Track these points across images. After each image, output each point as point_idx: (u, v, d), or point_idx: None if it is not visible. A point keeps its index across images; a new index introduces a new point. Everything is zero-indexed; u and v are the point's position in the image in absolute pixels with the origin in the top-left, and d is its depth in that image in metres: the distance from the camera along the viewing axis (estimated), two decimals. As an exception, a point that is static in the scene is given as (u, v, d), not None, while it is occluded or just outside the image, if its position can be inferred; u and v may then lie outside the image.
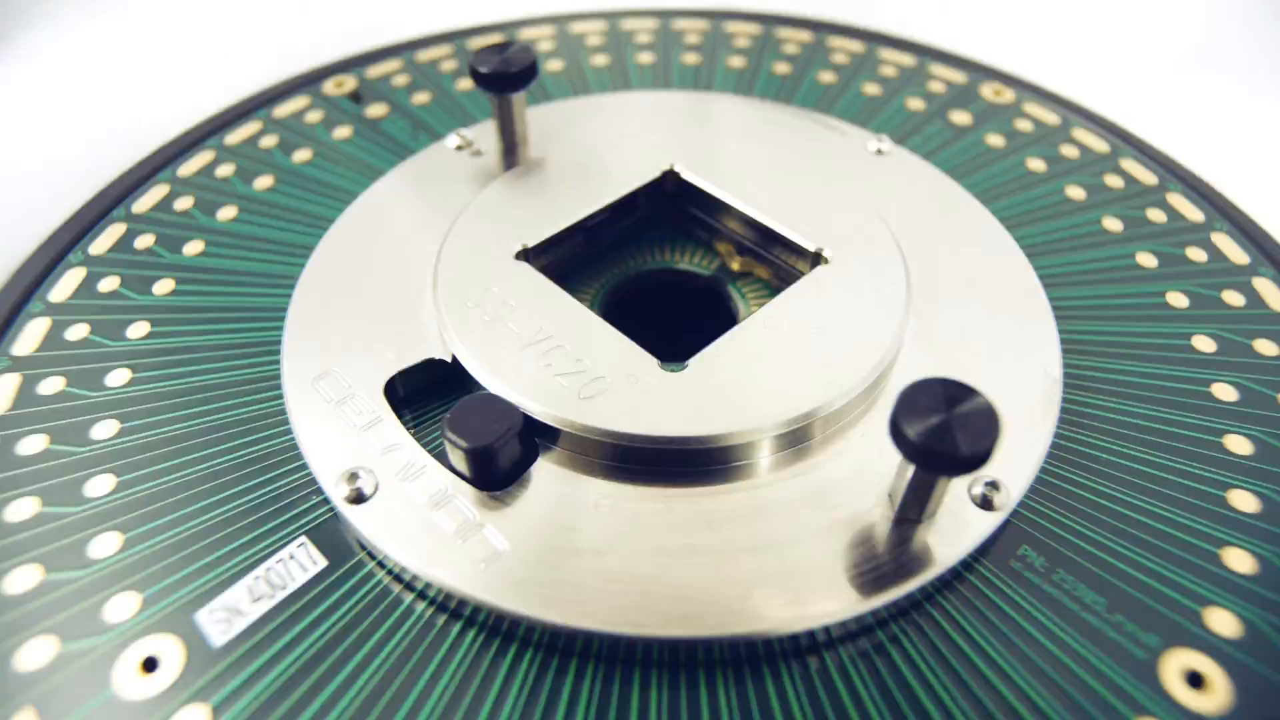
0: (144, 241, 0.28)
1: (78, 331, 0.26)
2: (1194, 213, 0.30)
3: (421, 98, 0.35)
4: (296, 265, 0.27)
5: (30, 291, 0.27)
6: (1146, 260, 0.28)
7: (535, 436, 0.22)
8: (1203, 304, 0.27)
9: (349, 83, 0.35)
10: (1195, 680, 0.19)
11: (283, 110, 0.34)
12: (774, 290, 0.27)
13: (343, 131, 0.33)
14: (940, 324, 0.24)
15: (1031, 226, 0.29)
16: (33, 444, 0.23)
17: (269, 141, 0.32)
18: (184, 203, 0.30)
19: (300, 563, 0.20)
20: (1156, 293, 0.27)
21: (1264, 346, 0.26)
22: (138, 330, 0.26)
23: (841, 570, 0.19)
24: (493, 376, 0.22)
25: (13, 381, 0.24)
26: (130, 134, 0.35)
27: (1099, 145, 0.33)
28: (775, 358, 0.22)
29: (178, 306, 0.26)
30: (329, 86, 0.35)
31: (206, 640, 0.19)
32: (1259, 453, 0.23)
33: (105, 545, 0.21)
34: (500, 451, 0.20)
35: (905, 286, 0.24)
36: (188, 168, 0.31)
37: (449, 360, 0.23)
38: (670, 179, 0.29)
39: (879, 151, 0.30)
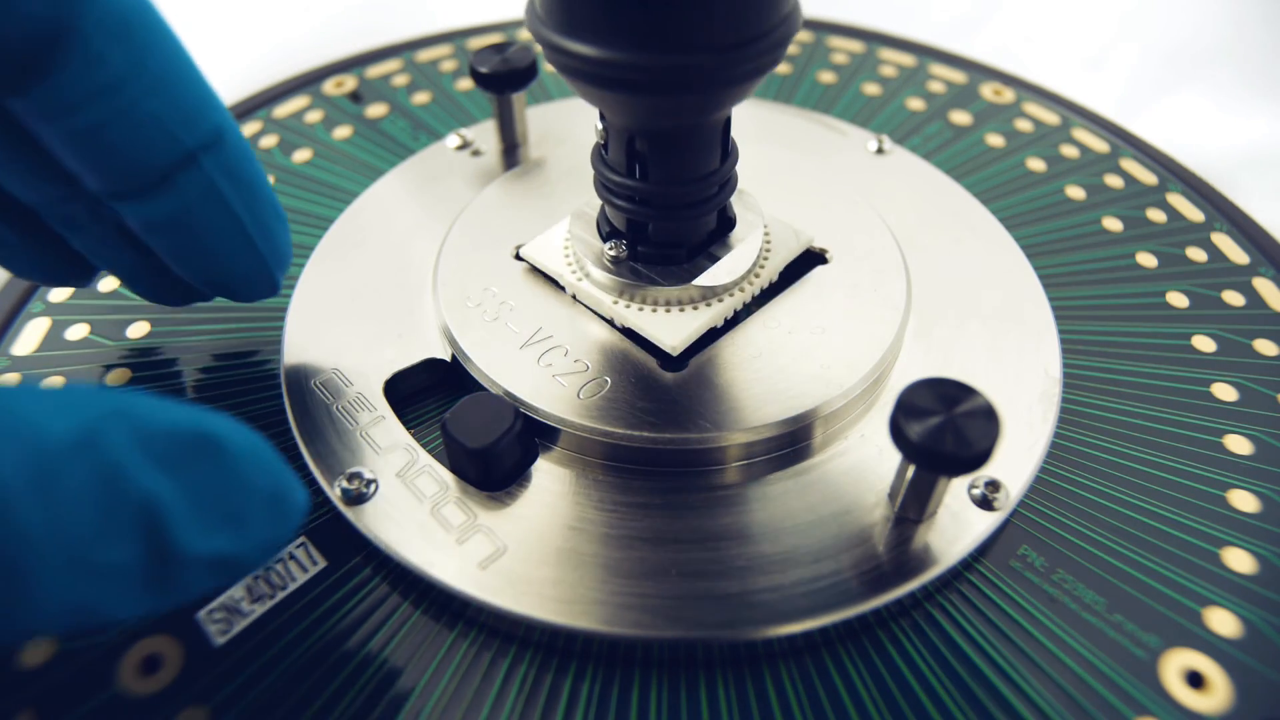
0: (144, 241, 0.28)
1: (78, 331, 0.26)
2: (1194, 213, 0.30)
3: (421, 97, 0.35)
4: (297, 265, 0.27)
5: (30, 291, 0.27)
6: (1146, 260, 0.28)
7: (535, 436, 0.22)
8: (1203, 304, 0.27)
9: (349, 82, 0.35)
10: (1195, 680, 0.19)
11: (282, 110, 0.34)
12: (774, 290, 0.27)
13: (343, 131, 0.33)
14: (940, 324, 0.24)
15: (1031, 226, 0.29)
16: (33, 444, 0.23)
17: (269, 141, 0.32)
18: (184, 202, 0.30)
19: (300, 563, 0.20)
20: (1156, 293, 0.27)
21: (1264, 346, 0.26)
22: (138, 330, 0.26)
23: (841, 570, 0.19)
24: (492, 376, 0.22)
25: (13, 381, 0.24)
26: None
27: (1099, 145, 0.33)
28: (775, 358, 0.22)
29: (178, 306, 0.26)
30: (329, 86, 0.35)
31: (207, 640, 0.19)
32: (1259, 453, 0.23)
33: (105, 545, 0.21)
34: (500, 452, 0.20)
35: (905, 286, 0.24)
36: (188, 167, 0.31)
37: (449, 360, 0.23)
38: (670, 179, 0.29)
39: (879, 151, 0.30)
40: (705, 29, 0.17)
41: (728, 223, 0.23)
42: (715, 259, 0.22)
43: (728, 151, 0.21)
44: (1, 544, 0.12)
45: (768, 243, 0.24)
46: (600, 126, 0.21)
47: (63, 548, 0.12)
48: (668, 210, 0.21)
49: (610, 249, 0.22)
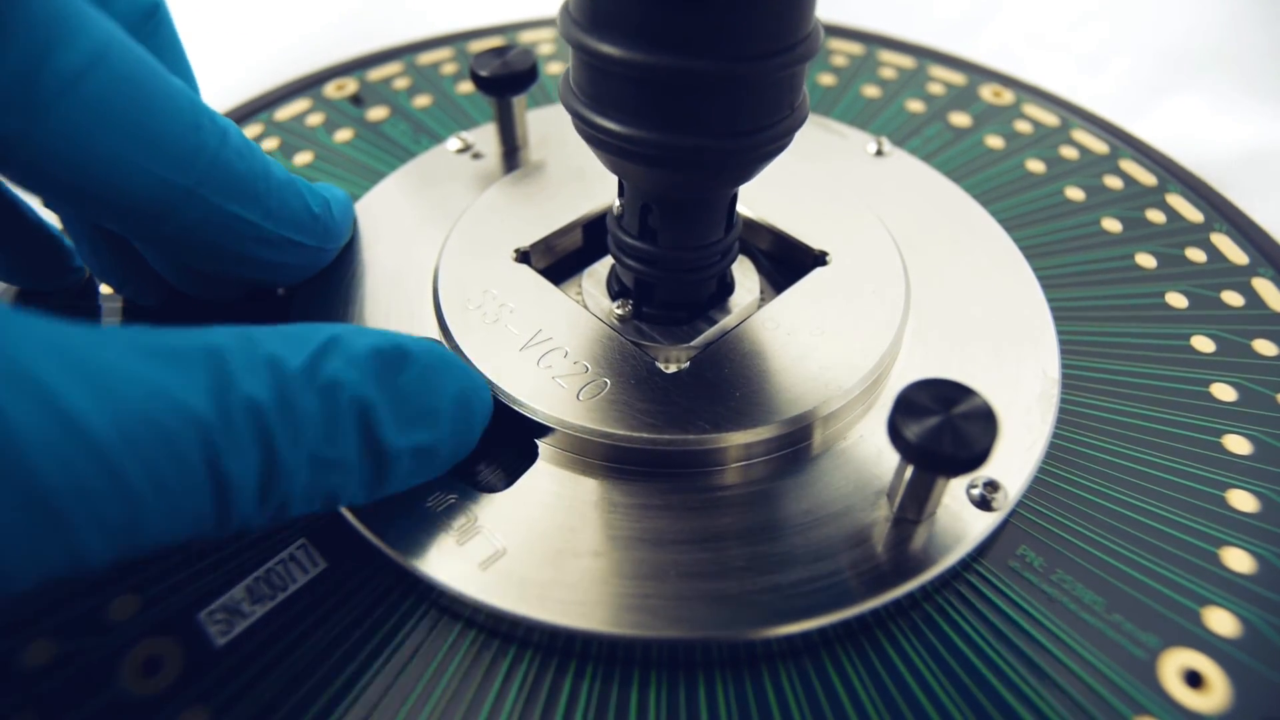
0: (146, 244, 0.28)
1: (80, 334, 0.26)
2: (1193, 213, 0.30)
3: (422, 100, 0.35)
4: (297, 267, 0.27)
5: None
6: (1145, 261, 0.28)
7: (534, 437, 0.22)
8: (1202, 304, 0.27)
9: (350, 85, 0.35)
10: (1194, 679, 0.19)
11: (284, 113, 0.34)
12: (774, 290, 0.27)
13: (344, 134, 0.33)
14: (939, 325, 0.25)
15: (1031, 228, 0.29)
16: (35, 446, 0.23)
17: (270, 144, 0.32)
18: (185, 205, 0.30)
19: (301, 564, 0.21)
20: (1156, 293, 0.27)
21: (1263, 346, 0.26)
22: (139, 332, 0.26)
23: (840, 570, 0.19)
24: (493, 379, 0.22)
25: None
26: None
27: (1098, 146, 0.33)
28: (775, 358, 0.22)
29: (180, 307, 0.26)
30: (330, 89, 0.35)
31: (208, 641, 0.19)
32: (1258, 453, 0.23)
33: (107, 546, 0.21)
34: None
35: (904, 288, 0.24)
36: (189, 171, 0.31)
37: (449, 362, 0.23)
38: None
39: (879, 153, 0.30)
40: (721, 117, 0.18)
41: (726, 288, 0.25)
42: (713, 322, 0.24)
43: (732, 223, 0.23)
44: (263, 448, 0.15)
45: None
46: (618, 198, 0.23)
47: (304, 448, 0.16)
48: (673, 273, 0.23)
49: (618, 307, 0.24)
